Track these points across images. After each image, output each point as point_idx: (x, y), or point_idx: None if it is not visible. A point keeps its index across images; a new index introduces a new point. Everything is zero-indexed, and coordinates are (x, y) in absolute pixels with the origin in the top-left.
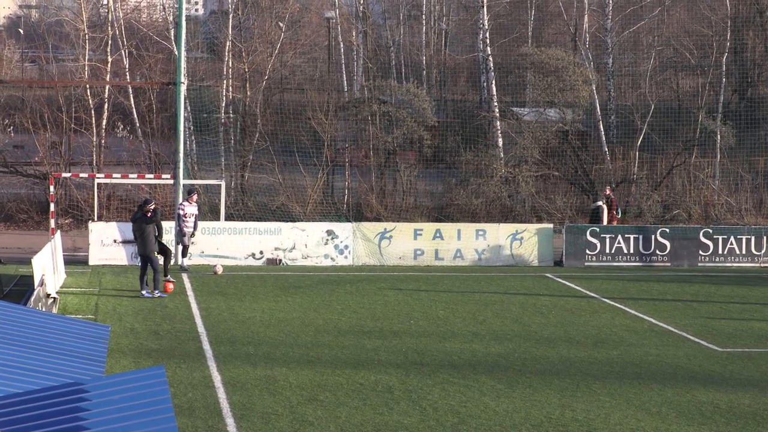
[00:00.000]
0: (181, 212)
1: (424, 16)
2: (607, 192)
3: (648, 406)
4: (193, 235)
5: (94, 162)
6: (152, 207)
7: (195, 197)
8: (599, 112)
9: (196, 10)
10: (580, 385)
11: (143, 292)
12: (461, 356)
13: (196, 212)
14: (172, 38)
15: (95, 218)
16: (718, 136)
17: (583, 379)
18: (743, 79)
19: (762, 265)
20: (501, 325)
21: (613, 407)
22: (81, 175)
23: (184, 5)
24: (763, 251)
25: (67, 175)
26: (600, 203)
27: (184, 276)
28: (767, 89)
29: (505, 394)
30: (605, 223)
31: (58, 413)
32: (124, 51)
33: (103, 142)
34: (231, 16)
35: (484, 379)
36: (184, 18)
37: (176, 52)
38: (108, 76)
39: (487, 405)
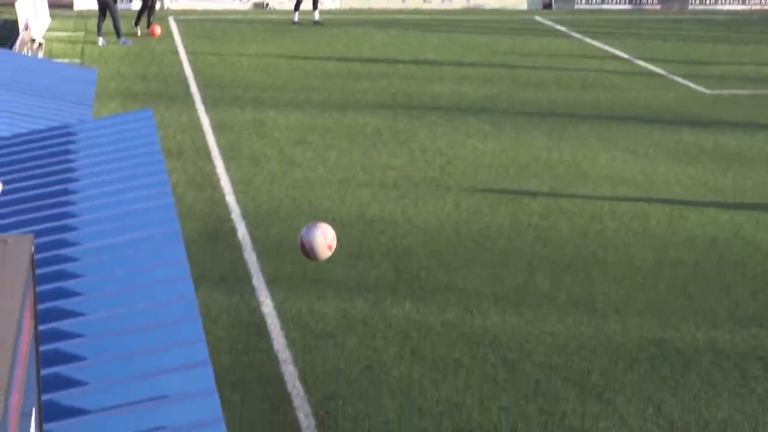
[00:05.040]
0: None
1: None
2: None
3: (635, 148)
4: None
5: None
6: None
7: None
8: None
9: None
10: (568, 127)
11: (102, 40)
12: (449, 99)
13: None
14: None
15: None
16: None
17: (570, 121)
18: None
19: (752, 7)
20: (488, 68)
21: (600, 149)
22: None
23: None
24: None
25: None
26: None
27: (171, 19)
28: None
29: (492, 135)
30: None
31: (46, 156)
32: None
33: None
34: None
35: (471, 122)
36: None
37: None
38: None
39: (474, 146)
